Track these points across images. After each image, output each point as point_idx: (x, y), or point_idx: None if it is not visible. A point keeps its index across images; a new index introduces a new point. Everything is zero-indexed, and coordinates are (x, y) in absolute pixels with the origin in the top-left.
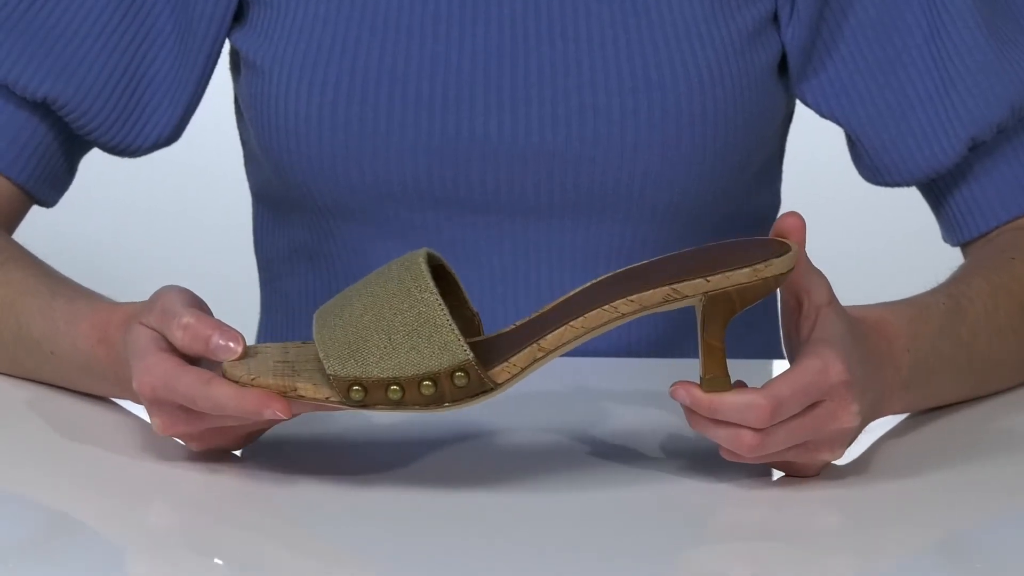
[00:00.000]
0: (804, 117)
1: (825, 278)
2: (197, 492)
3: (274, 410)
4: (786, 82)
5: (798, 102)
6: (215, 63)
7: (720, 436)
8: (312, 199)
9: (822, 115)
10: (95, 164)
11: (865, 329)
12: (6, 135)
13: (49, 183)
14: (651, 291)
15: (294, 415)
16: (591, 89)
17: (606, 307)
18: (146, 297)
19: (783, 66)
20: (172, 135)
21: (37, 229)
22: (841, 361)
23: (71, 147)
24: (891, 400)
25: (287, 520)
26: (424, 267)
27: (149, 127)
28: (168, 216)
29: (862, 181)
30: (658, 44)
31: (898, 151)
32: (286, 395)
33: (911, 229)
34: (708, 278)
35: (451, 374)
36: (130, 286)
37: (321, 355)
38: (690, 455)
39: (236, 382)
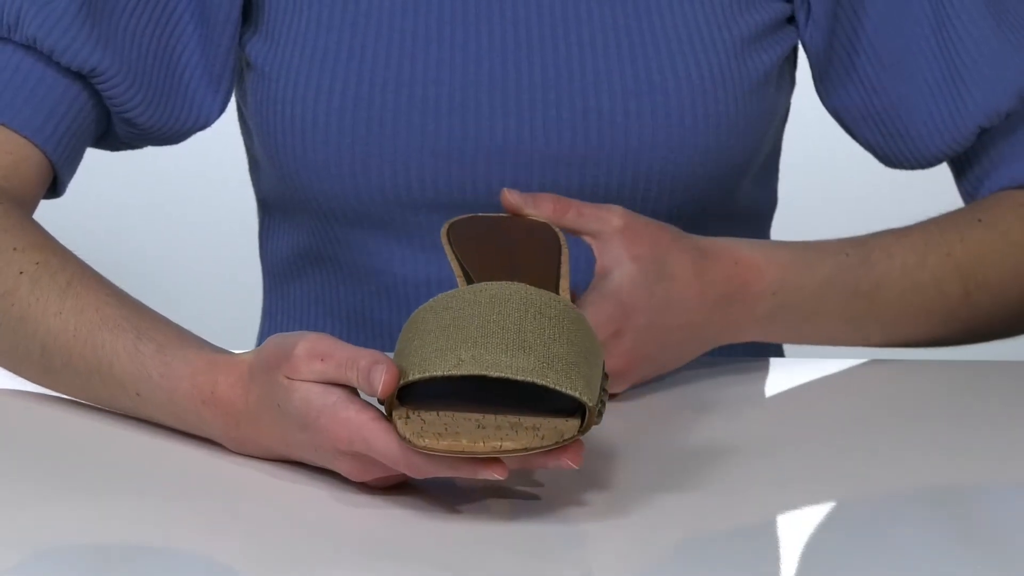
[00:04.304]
0: (802, 116)
1: (618, 220)
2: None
3: (495, 473)
4: (787, 83)
5: (794, 101)
6: (236, 56)
7: None
8: (318, 204)
9: (835, 113)
10: (100, 168)
11: (711, 269)
12: (45, 107)
13: (70, 165)
14: (564, 267)
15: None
16: (595, 93)
17: (564, 280)
18: (147, 298)
19: (785, 66)
20: (206, 120)
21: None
22: (610, 313)
23: (93, 129)
24: (739, 334)
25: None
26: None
27: (185, 110)
28: (170, 221)
29: (858, 178)
30: (660, 48)
31: (912, 140)
32: (558, 443)
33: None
34: (563, 250)
35: (604, 373)
36: (132, 291)
37: (572, 392)
38: (686, 457)
39: (507, 452)
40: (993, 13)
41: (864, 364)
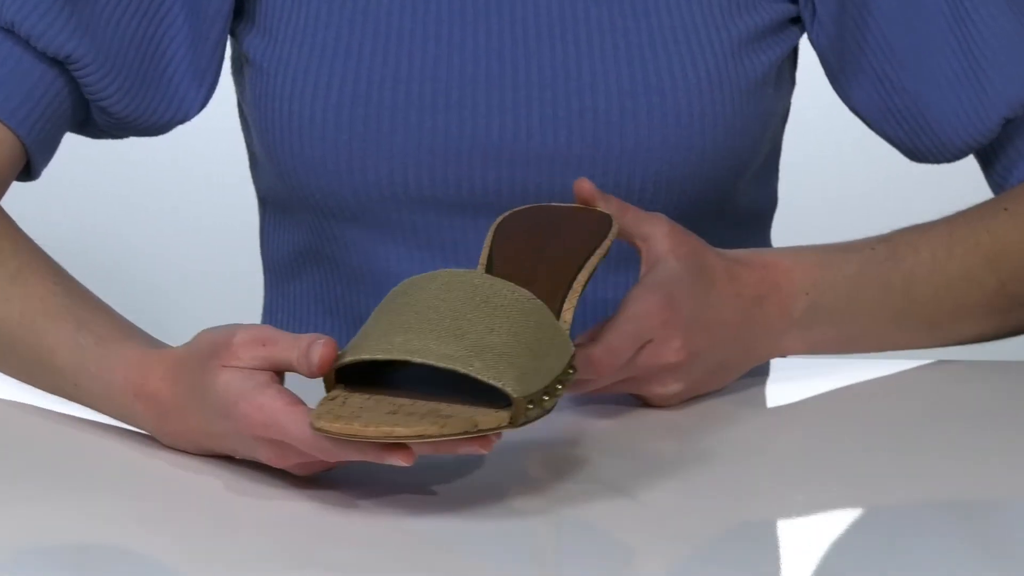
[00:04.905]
0: (802, 116)
1: (664, 225)
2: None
3: (400, 459)
4: (787, 83)
5: (794, 101)
6: (221, 52)
7: None
8: (316, 201)
9: (856, 112)
10: (100, 166)
11: (744, 273)
12: (20, 90)
13: (44, 149)
14: (592, 259)
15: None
16: (591, 92)
17: (574, 286)
18: (144, 298)
19: (785, 66)
20: (185, 115)
21: (41, 231)
22: (657, 303)
23: (70, 115)
24: (781, 341)
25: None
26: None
27: (164, 102)
28: (172, 217)
29: (858, 178)
30: (657, 48)
31: (936, 134)
32: (468, 433)
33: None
34: (606, 239)
35: (567, 369)
36: (133, 287)
37: (495, 383)
38: (693, 460)
39: (399, 438)
40: (1011, 4)
41: (888, 364)
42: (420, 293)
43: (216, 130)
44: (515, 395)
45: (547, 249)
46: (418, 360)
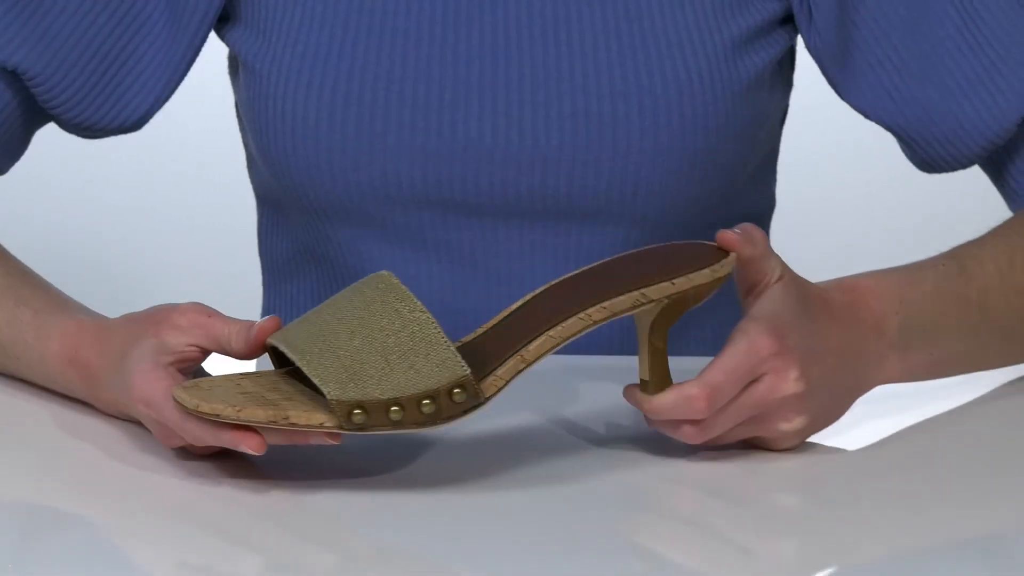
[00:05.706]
0: (802, 117)
1: (778, 259)
2: (183, 496)
3: (248, 446)
4: (782, 85)
5: (793, 101)
6: (195, 58)
7: (667, 431)
8: (309, 201)
9: (869, 118)
10: (96, 162)
11: (836, 299)
12: None
13: (6, 149)
14: (621, 296)
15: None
16: (583, 94)
17: (581, 315)
18: (145, 296)
19: (779, 68)
20: (140, 120)
21: (41, 230)
22: (768, 334)
23: (33, 117)
24: (882, 365)
25: (282, 522)
26: (403, 286)
27: (119, 109)
28: (171, 217)
29: (857, 180)
30: (649, 50)
31: (949, 142)
32: (276, 424)
33: (907, 228)
34: (673, 281)
35: (450, 391)
36: (133, 286)
37: (317, 381)
38: (664, 449)
39: (200, 413)
40: (1020, 1)
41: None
42: (344, 292)
43: (214, 131)
44: (330, 396)
45: (616, 279)
46: (282, 348)
